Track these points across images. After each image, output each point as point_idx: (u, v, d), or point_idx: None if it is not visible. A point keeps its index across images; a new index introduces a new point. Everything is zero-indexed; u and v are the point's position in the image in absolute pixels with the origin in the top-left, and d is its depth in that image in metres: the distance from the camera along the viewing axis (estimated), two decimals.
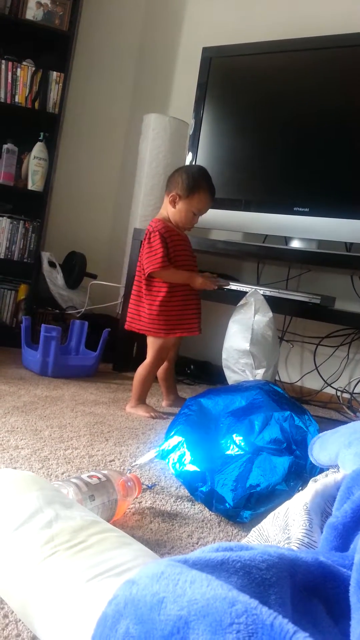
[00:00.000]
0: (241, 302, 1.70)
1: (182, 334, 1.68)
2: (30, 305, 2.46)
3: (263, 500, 1.00)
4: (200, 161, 2.22)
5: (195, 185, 1.62)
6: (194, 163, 2.24)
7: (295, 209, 1.98)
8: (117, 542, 0.63)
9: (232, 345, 1.65)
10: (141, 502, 1.03)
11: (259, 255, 2.03)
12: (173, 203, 1.64)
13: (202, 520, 1.00)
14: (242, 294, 1.86)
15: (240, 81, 2.19)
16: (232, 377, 1.68)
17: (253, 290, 1.74)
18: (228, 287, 1.86)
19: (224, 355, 1.70)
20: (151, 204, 2.43)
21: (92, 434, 1.39)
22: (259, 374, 1.60)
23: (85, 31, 2.72)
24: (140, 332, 1.69)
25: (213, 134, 2.23)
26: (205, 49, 2.25)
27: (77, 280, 2.55)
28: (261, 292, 1.77)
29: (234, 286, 2.00)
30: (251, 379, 1.60)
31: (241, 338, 1.63)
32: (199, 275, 1.67)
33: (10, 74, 2.37)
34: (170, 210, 1.66)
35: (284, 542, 0.67)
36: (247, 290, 1.93)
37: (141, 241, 2.15)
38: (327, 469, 0.85)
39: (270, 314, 1.67)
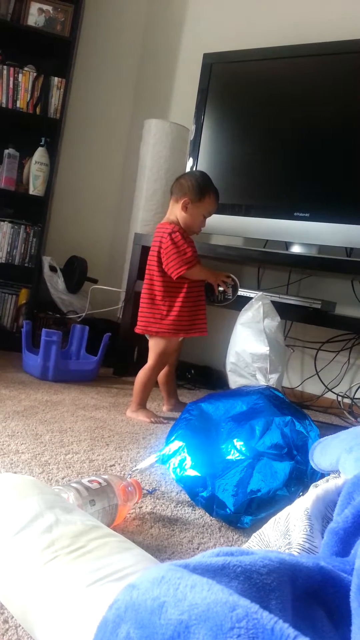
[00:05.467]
0: (247, 306, 1.69)
1: (195, 333, 1.69)
2: (31, 309, 2.46)
3: (264, 506, 1.00)
4: (201, 166, 2.22)
5: (204, 189, 1.66)
6: (194, 168, 2.25)
7: (295, 214, 1.98)
8: (117, 547, 0.63)
9: (246, 349, 1.63)
10: (142, 507, 1.03)
11: (260, 260, 2.04)
12: (185, 208, 1.66)
13: (203, 526, 1.00)
14: (243, 298, 1.85)
15: (241, 87, 2.20)
16: (238, 382, 1.67)
17: (260, 293, 1.73)
18: (229, 297, 1.80)
19: (231, 359, 1.68)
20: (152, 209, 2.44)
21: (92, 438, 1.39)
22: (273, 378, 1.59)
23: (86, 37, 2.73)
24: (158, 334, 1.68)
25: (214, 139, 2.24)
26: (206, 55, 2.26)
27: (78, 284, 2.55)
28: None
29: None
30: (263, 383, 1.59)
31: (256, 341, 1.62)
32: (217, 272, 1.72)
33: (12, 79, 2.39)
34: (181, 216, 1.67)
35: (284, 548, 0.67)
36: (247, 295, 1.93)
37: (143, 245, 2.17)
38: (328, 474, 0.84)
39: (279, 318, 1.67)
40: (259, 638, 0.33)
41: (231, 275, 1.74)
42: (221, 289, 1.72)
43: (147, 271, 1.70)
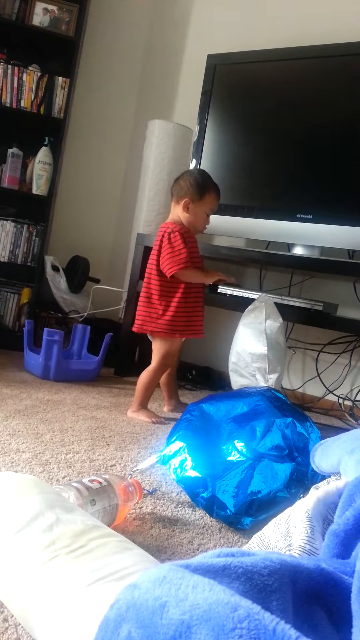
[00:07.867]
0: (250, 307, 1.70)
1: (190, 335, 1.69)
2: (33, 308, 2.46)
3: (264, 507, 1.00)
4: (204, 167, 2.22)
5: (204, 187, 1.65)
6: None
7: (298, 215, 1.98)
8: (118, 546, 0.63)
9: (246, 348, 1.64)
10: (142, 507, 1.03)
11: (262, 261, 2.04)
12: (186, 209, 1.66)
13: (203, 527, 1.00)
14: (245, 299, 1.86)
15: (245, 88, 2.20)
16: (238, 382, 1.67)
17: (263, 294, 1.73)
18: (229, 286, 1.84)
19: (232, 359, 1.69)
20: (155, 209, 2.44)
21: (93, 438, 1.39)
22: (272, 378, 1.59)
23: (91, 37, 2.74)
24: (154, 333, 1.69)
25: (217, 140, 2.24)
26: (210, 56, 2.26)
27: (80, 284, 2.56)
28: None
29: (236, 292, 2.00)
30: (262, 383, 1.59)
31: (255, 341, 1.62)
32: (213, 272, 1.72)
33: (16, 79, 2.39)
34: (183, 216, 1.67)
35: (285, 549, 0.67)
36: (249, 296, 1.93)
37: (145, 245, 2.17)
38: (329, 476, 0.84)
39: (281, 320, 1.67)
40: (260, 639, 0.33)
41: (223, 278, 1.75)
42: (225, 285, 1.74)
43: (146, 270, 1.70)
